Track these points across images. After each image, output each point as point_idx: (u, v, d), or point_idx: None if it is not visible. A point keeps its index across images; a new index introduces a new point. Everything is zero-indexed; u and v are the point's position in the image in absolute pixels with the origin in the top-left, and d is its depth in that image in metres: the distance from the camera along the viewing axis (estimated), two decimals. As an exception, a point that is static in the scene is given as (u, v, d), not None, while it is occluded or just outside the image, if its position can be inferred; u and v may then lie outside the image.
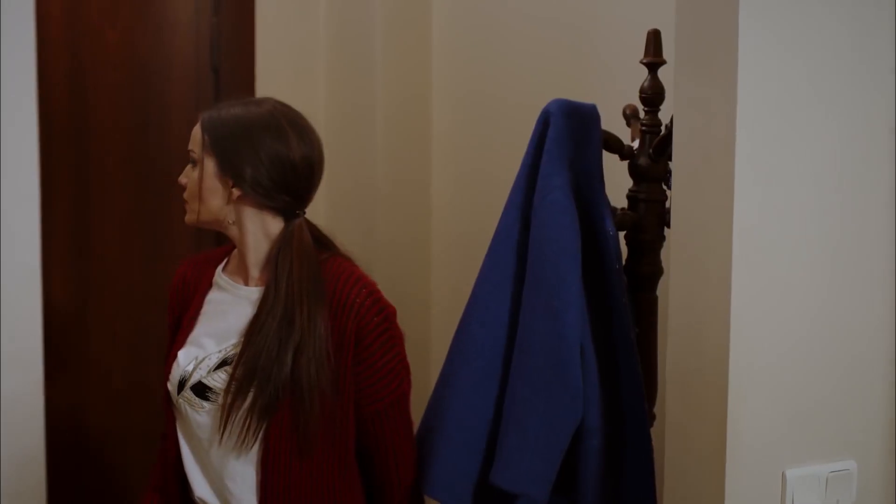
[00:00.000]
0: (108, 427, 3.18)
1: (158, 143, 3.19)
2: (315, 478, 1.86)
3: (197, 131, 1.89)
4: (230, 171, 1.84)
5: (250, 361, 1.82)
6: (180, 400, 1.91)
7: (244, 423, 1.81)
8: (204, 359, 1.90)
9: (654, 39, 1.99)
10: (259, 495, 1.86)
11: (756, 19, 1.54)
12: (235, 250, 1.97)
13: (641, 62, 2.02)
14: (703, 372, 1.65)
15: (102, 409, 3.18)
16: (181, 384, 1.91)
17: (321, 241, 1.93)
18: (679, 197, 1.71)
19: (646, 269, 2.01)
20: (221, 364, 1.88)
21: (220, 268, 1.98)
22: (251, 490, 1.87)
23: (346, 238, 3.28)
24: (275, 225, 1.89)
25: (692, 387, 1.68)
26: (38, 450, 1.84)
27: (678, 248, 1.71)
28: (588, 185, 1.89)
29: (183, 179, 1.91)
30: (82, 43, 3.05)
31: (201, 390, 1.88)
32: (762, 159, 1.57)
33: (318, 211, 3.35)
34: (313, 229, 1.93)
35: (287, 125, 1.86)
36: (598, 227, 1.89)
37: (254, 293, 1.90)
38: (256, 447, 1.84)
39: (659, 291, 2.03)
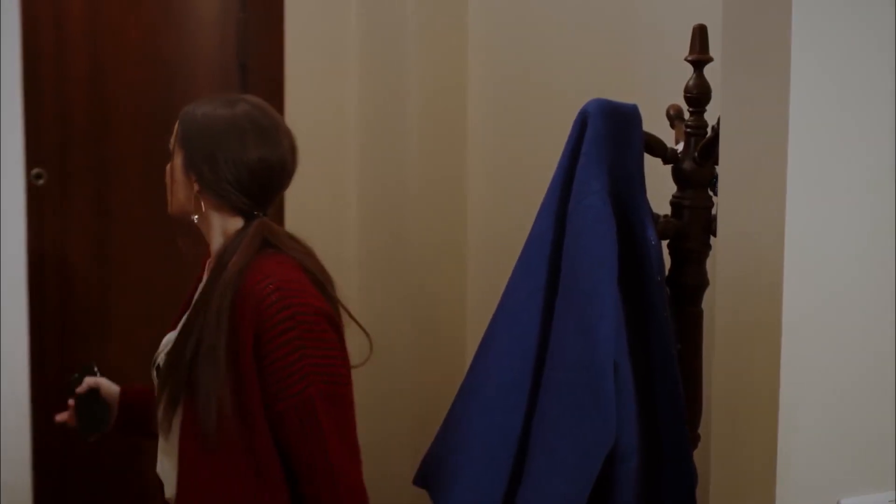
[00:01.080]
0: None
1: (183, 144, 3.14)
2: (227, 478, 1.88)
3: (176, 124, 2.01)
4: (192, 167, 1.95)
5: (171, 351, 1.94)
6: (153, 378, 2.04)
7: (162, 412, 1.91)
8: (169, 343, 2.00)
9: (699, 35, 1.96)
10: (177, 487, 1.93)
11: (810, 12, 1.51)
12: None
13: (686, 59, 1.99)
14: (752, 392, 1.62)
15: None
16: (153, 364, 2.04)
17: (276, 241, 1.96)
18: (726, 203, 1.68)
19: (690, 281, 1.98)
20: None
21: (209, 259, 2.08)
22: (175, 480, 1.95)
23: (377, 240, 3.34)
24: (234, 223, 1.97)
25: (740, 409, 1.65)
26: (25, 458, 1.84)
27: (725, 259, 1.68)
28: (628, 190, 1.86)
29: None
30: (103, 41, 3.06)
31: (158, 370, 2.00)
32: (817, 163, 1.54)
33: (348, 212, 3.43)
34: (270, 230, 1.96)
35: (249, 127, 1.94)
36: (638, 235, 1.85)
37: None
38: (175, 439, 1.92)
39: (704, 305, 1.99)
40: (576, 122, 1.87)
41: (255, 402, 1.85)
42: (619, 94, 1.92)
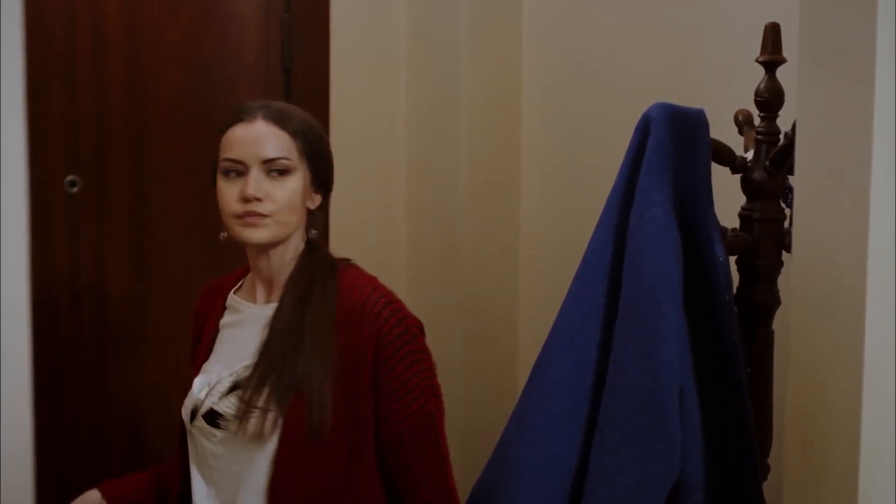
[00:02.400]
0: (166, 447, 3.12)
1: (223, 150, 3.12)
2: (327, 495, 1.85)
3: (284, 137, 1.90)
4: (321, 185, 1.94)
5: (265, 367, 1.87)
6: (194, 430, 1.94)
7: (261, 422, 1.84)
8: (216, 385, 1.92)
9: (772, 34, 1.93)
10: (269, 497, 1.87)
11: None
12: (251, 273, 2.01)
13: (757, 60, 1.96)
14: (829, 422, 1.57)
15: (160, 427, 3.13)
16: (193, 413, 1.94)
17: (336, 257, 2.00)
18: (802, 216, 1.64)
19: (760, 300, 1.95)
20: (233, 388, 1.90)
21: (232, 291, 2.03)
22: None
23: (426, 250, 3.31)
24: (302, 243, 1.96)
25: (816, 439, 1.60)
26: (27, 460, 1.84)
27: (800, 276, 1.65)
28: (694, 202, 1.81)
29: (258, 193, 1.87)
30: (142, 42, 3.04)
31: (212, 418, 1.90)
32: None
33: (397, 221, 3.40)
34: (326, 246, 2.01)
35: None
36: (704, 250, 1.80)
37: (268, 310, 1.93)
38: (265, 477, 1.85)
39: (775, 325, 1.96)
40: (637, 127, 1.82)
41: (367, 424, 1.85)
42: (684, 98, 1.88)
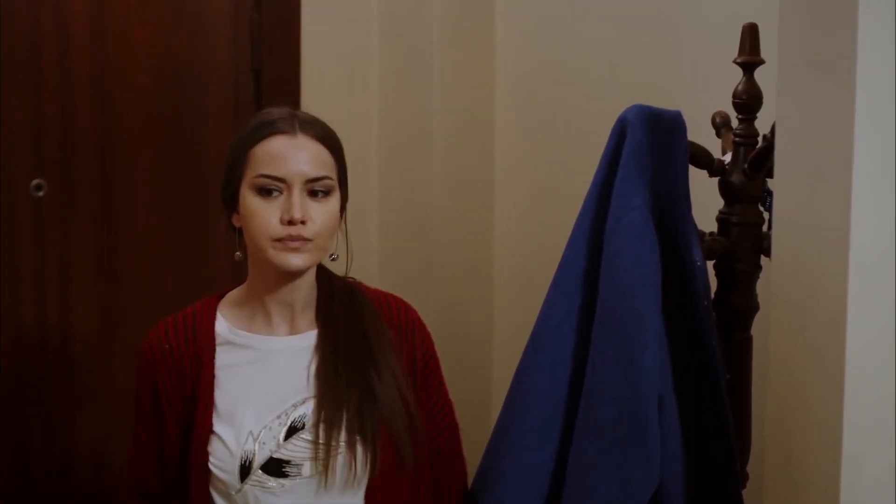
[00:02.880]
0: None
1: (193, 154, 3.13)
2: None
3: (326, 154, 1.79)
4: (344, 202, 1.83)
5: (333, 400, 1.76)
6: (247, 487, 1.76)
7: (349, 459, 1.75)
8: (261, 432, 1.77)
9: (750, 35, 1.93)
10: None
11: (878, 6, 1.46)
12: (235, 299, 1.86)
13: (735, 62, 1.96)
14: (811, 429, 1.57)
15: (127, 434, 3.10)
16: (244, 469, 1.76)
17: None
18: (782, 220, 1.64)
19: (738, 305, 1.94)
20: (291, 431, 1.76)
21: (224, 327, 1.85)
22: None
23: (400, 258, 3.28)
24: None
25: (797, 448, 1.61)
26: None
27: (780, 281, 1.64)
28: (671, 206, 1.80)
29: (301, 215, 1.72)
30: (108, 43, 3.01)
31: (276, 467, 1.75)
32: (886, 176, 1.47)
33: (369, 229, 3.36)
34: None
35: None
36: (682, 255, 1.79)
37: (299, 341, 1.82)
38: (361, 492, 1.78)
39: (754, 331, 1.95)
40: (613, 131, 1.81)
41: (424, 441, 1.84)
42: (661, 100, 1.87)
